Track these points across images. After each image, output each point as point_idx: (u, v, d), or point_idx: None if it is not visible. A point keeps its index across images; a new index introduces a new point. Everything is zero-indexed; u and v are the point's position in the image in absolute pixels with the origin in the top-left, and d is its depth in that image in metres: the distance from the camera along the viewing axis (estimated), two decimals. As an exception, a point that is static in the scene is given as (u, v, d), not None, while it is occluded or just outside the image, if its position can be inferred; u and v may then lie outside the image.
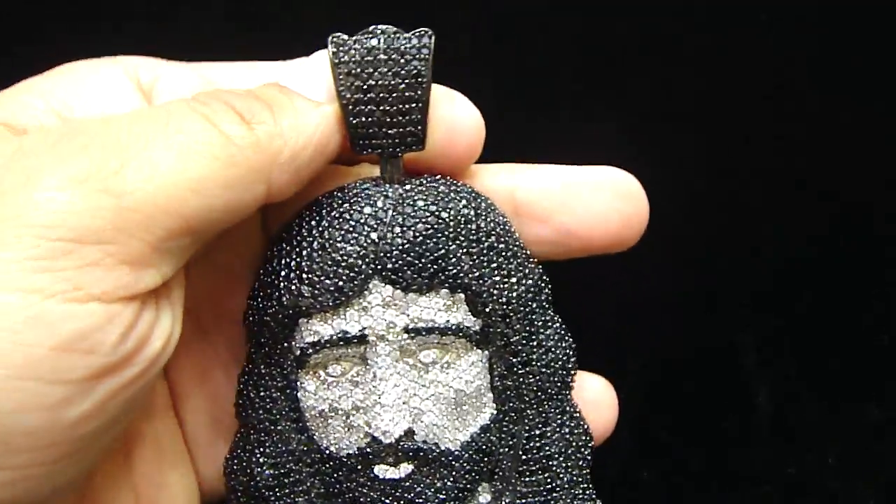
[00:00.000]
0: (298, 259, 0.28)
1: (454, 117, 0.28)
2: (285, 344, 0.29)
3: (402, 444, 0.29)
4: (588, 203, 0.29)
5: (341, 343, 0.28)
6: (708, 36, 0.47)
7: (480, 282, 0.28)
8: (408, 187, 0.29)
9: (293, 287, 0.28)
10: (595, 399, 0.31)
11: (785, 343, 0.45)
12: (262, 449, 0.30)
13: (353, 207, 0.28)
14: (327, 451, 0.30)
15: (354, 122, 0.28)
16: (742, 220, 0.50)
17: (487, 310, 0.29)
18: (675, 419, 0.42)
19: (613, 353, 0.44)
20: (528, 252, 0.30)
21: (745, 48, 0.48)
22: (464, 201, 0.29)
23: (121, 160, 0.23)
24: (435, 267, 0.28)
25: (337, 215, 0.28)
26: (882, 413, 0.42)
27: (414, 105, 0.28)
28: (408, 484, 0.29)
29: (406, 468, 0.29)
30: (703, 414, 0.43)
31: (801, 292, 0.47)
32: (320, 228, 0.28)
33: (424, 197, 0.29)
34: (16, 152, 0.23)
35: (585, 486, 0.31)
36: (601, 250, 0.30)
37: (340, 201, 0.29)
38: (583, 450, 0.31)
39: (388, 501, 0.29)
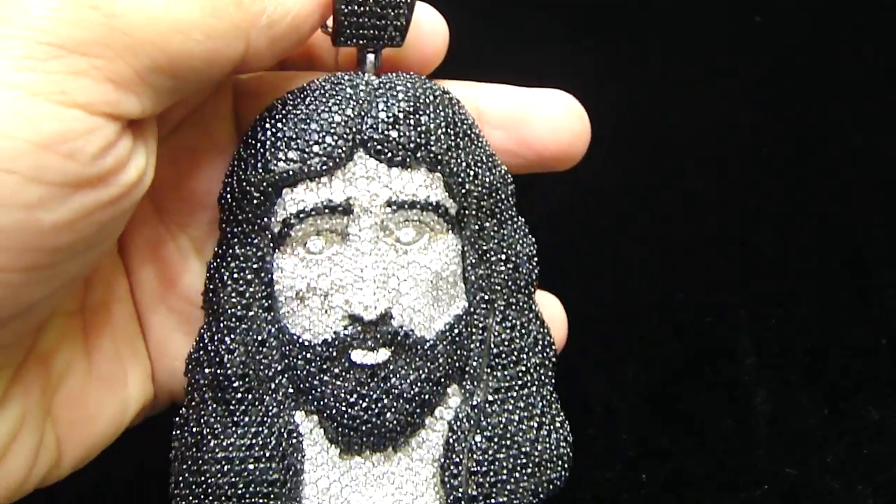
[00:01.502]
0: (285, 129, 0.29)
1: (421, 20, 0.31)
2: (264, 220, 0.29)
3: (380, 326, 0.29)
4: (544, 117, 0.32)
5: (326, 211, 0.28)
6: None
7: (457, 162, 0.29)
8: (385, 77, 0.30)
9: (280, 154, 0.28)
10: (550, 315, 0.33)
11: (783, 344, 0.45)
12: (231, 336, 0.29)
13: (338, 87, 0.29)
14: (300, 341, 0.29)
15: (345, 10, 0.29)
16: (741, 221, 0.50)
17: (463, 191, 0.30)
18: (674, 421, 0.42)
19: (612, 355, 0.45)
20: (503, 164, 0.32)
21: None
22: (439, 90, 0.30)
23: None
24: (417, 142, 0.29)
25: (322, 93, 0.29)
26: (880, 414, 0.42)
27: (402, 0, 0.29)
28: (385, 371, 0.29)
29: (384, 353, 0.29)
30: (702, 415, 0.43)
31: (799, 293, 0.47)
32: (306, 103, 0.29)
33: (403, 83, 0.30)
34: None
35: (552, 389, 0.31)
36: (550, 163, 0.33)
37: (325, 84, 0.30)
38: (548, 350, 0.32)
39: (364, 391, 0.29)
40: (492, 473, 0.30)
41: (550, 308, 0.34)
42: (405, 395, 0.29)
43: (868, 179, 0.51)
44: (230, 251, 0.30)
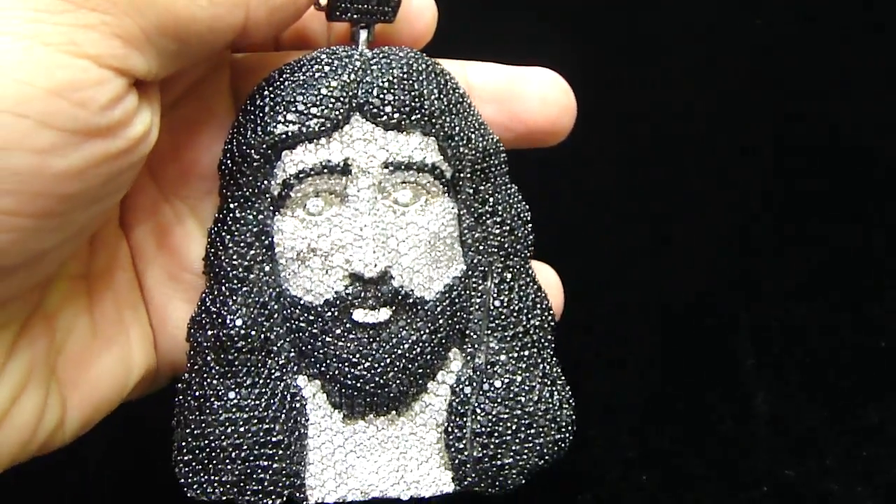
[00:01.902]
0: (284, 94, 0.29)
1: None
2: (264, 183, 0.30)
3: (380, 285, 0.29)
4: (533, 91, 0.34)
5: (325, 171, 0.29)
6: None
7: (451, 126, 0.30)
8: (378, 49, 0.31)
9: (279, 117, 0.29)
10: (546, 282, 0.34)
11: (783, 346, 0.45)
12: (233, 298, 0.30)
13: (334, 56, 0.30)
14: (301, 302, 0.29)
15: None
16: (739, 222, 0.50)
17: (458, 154, 0.30)
18: (674, 422, 0.43)
19: (612, 357, 0.45)
20: (495, 134, 0.32)
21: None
22: (431, 61, 0.31)
23: None
24: (411, 105, 0.29)
25: (319, 62, 0.30)
26: (880, 416, 0.42)
27: None
28: (387, 331, 0.29)
29: (385, 312, 0.29)
30: (702, 416, 0.43)
31: (799, 295, 0.47)
32: (303, 71, 0.30)
33: (396, 53, 0.30)
34: None
35: (552, 353, 0.32)
36: (539, 137, 0.34)
37: (321, 54, 0.30)
38: (547, 314, 0.32)
39: (367, 350, 0.29)
40: (496, 435, 0.30)
41: (545, 275, 0.34)
42: (407, 354, 0.29)
43: (867, 179, 0.51)
44: (231, 215, 0.30)
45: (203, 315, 0.30)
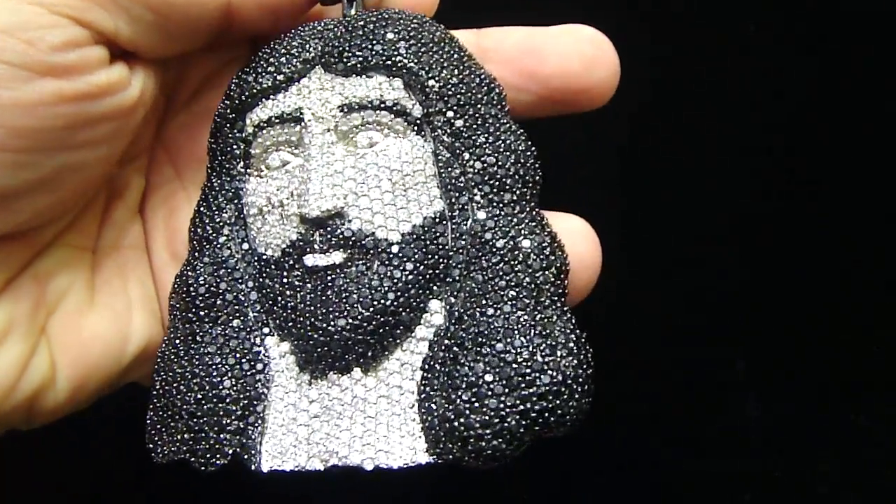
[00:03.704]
0: (254, 63, 0.31)
1: None
2: (234, 147, 0.30)
3: (331, 228, 0.28)
4: (550, 46, 0.30)
5: (277, 122, 0.29)
6: None
7: (418, 65, 0.29)
8: (360, 11, 0.31)
9: (242, 82, 0.30)
10: (570, 228, 0.30)
11: (774, 351, 0.45)
12: (201, 260, 0.30)
13: (312, 24, 0.31)
14: (264, 257, 0.29)
15: None
16: (734, 227, 0.50)
17: (426, 90, 0.29)
18: (666, 426, 0.43)
19: (609, 359, 0.45)
20: (490, 74, 0.30)
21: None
22: (423, 17, 0.30)
23: None
24: (372, 49, 0.29)
25: (293, 31, 0.31)
26: (870, 420, 0.43)
27: None
28: (339, 273, 0.27)
29: (338, 256, 0.28)
30: (693, 420, 0.43)
31: (790, 300, 0.47)
32: (279, 39, 0.31)
33: (375, 13, 0.30)
34: None
35: (561, 307, 0.27)
36: (569, 99, 0.30)
37: (304, 25, 0.31)
38: (555, 259, 0.28)
39: (319, 296, 0.27)
40: (477, 396, 0.25)
41: (569, 223, 0.30)
42: (365, 300, 0.27)
43: (860, 187, 0.51)
44: (207, 184, 0.31)
45: (179, 279, 0.31)
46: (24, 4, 0.26)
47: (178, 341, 0.29)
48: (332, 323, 0.27)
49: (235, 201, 0.30)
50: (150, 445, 0.29)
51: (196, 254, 0.30)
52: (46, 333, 0.30)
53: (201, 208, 0.31)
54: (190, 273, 0.30)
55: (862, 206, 0.50)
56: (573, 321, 0.27)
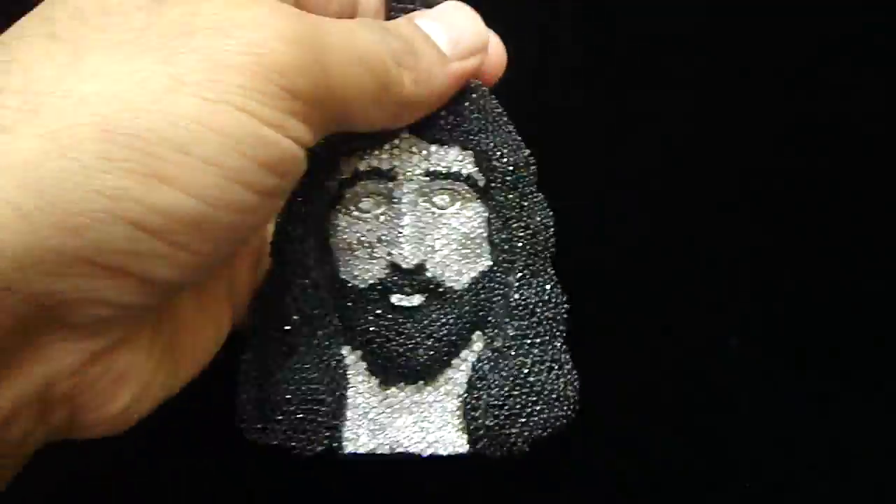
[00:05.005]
0: None
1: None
2: (324, 182, 0.35)
3: (416, 276, 0.35)
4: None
5: (374, 176, 0.35)
6: None
7: (486, 142, 0.35)
8: None
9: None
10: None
11: (769, 343, 0.45)
12: (292, 281, 0.35)
13: None
14: (349, 285, 0.35)
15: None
16: (728, 220, 0.50)
17: (490, 167, 0.35)
18: (661, 419, 0.43)
19: (598, 353, 0.45)
20: (524, 146, 0.36)
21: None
22: (476, 83, 0.35)
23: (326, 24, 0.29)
24: (453, 123, 0.35)
25: None
26: (867, 414, 0.43)
27: None
28: (419, 313, 0.35)
29: (418, 298, 0.35)
30: (689, 414, 0.43)
31: (787, 293, 0.47)
32: None
33: None
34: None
35: (563, 341, 0.36)
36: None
37: None
38: (560, 308, 0.36)
39: (400, 329, 0.35)
40: (507, 408, 0.35)
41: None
42: (435, 334, 0.35)
43: (858, 183, 0.51)
44: (294, 208, 0.35)
45: (264, 298, 0.36)
46: (281, 137, 0.27)
47: (272, 349, 0.35)
48: (413, 352, 0.35)
49: (318, 229, 0.35)
50: (247, 426, 0.35)
51: (286, 273, 0.35)
52: (170, 346, 0.32)
53: (288, 230, 0.35)
54: (283, 291, 0.35)
55: (860, 198, 0.50)
56: (568, 353, 0.36)
